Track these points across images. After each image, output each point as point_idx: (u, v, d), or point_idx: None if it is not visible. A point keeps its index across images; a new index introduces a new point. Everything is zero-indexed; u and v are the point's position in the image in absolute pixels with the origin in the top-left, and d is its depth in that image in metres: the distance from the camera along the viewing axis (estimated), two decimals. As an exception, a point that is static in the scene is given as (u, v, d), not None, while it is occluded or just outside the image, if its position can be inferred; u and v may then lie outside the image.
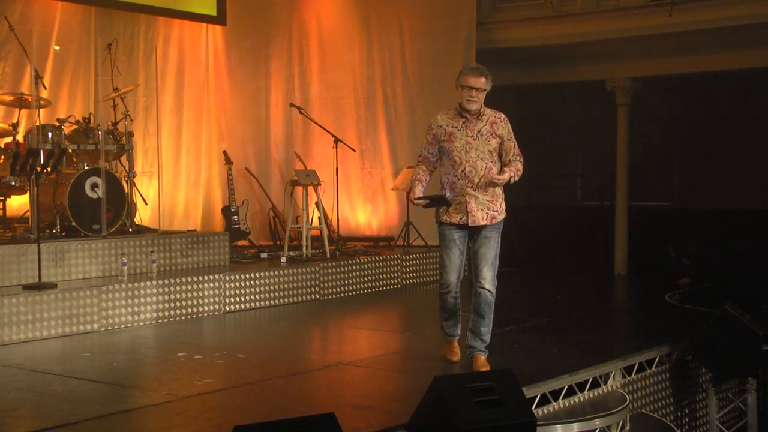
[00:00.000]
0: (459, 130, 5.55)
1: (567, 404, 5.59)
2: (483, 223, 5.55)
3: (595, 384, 5.90)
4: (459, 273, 5.68)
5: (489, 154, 5.56)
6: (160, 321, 7.49)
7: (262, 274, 8.36)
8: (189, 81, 10.76)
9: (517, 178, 5.59)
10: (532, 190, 13.17)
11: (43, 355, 6.28)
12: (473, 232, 5.60)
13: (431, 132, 5.64)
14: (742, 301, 7.04)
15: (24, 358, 6.12)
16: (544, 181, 13.20)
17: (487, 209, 5.56)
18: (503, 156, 5.63)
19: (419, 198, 5.60)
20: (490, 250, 5.58)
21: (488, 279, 5.56)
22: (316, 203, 9.83)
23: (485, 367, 5.52)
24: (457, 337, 5.87)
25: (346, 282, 9.16)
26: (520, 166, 5.62)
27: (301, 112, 10.93)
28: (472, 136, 5.54)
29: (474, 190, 5.53)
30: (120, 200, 8.36)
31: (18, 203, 8.79)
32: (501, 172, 5.56)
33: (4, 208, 8.47)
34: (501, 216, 5.63)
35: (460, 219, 5.56)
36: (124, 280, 7.55)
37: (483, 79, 5.51)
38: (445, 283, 5.67)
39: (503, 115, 5.67)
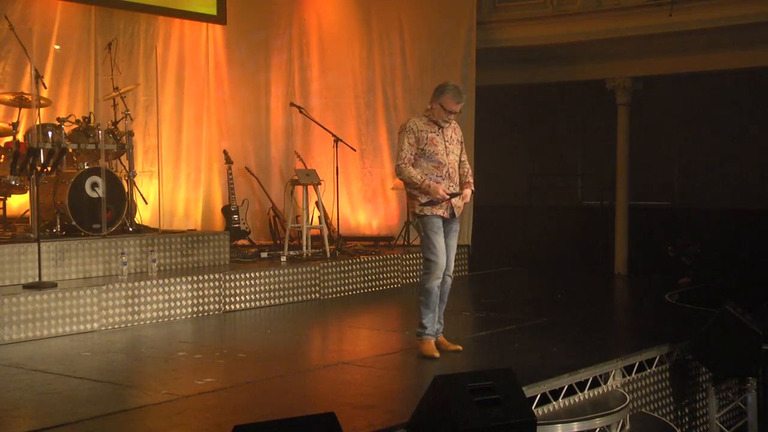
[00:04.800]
0: (437, 135, 6.08)
1: (567, 404, 5.59)
2: (457, 214, 6.16)
3: (595, 383, 5.90)
4: None
5: (458, 156, 6.17)
6: (160, 320, 7.50)
7: (262, 273, 8.36)
8: (189, 80, 10.76)
9: None
10: (532, 189, 13.17)
11: (43, 355, 6.28)
12: (445, 226, 6.10)
13: (413, 135, 6.04)
14: (742, 301, 7.04)
15: (24, 357, 6.13)
16: (544, 181, 13.20)
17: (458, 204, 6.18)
18: (460, 156, 6.26)
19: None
20: (456, 242, 6.22)
21: (452, 268, 6.20)
22: (317, 203, 9.83)
23: (456, 345, 6.19)
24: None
25: (346, 282, 9.17)
26: (470, 169, 6.27)
27: (301, 112, 10.93)
28: (448, 141, 6.12)
29: (455, 188, 6.09)
30: (120, 200, 8.36)
31: (18, 203, 8.80)
32: (463, 193, 6.14)
33: (4, 208, 8.48)
34: None
35: (443, 212, 6.06)
36: (124, 279, 7.56)
37: (462, 104, 6.08)
38: (440, 266, 6.01)
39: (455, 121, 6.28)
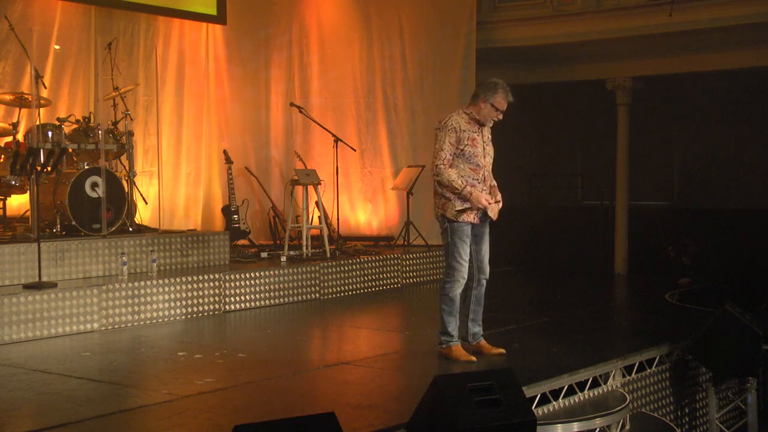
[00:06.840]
0: (478, 135, 5.77)
1: (567, 404, 5.59)
2: (494, 218, 5.87)
3: (595, 383, 5.90)
4: None
5: (492, 158, 5.88)
6: (160, 320, 7.49)
7: (262, 273, 8.36)
8: (189, 80, 10.76)
9: None
10: (532, 189, 13.17)
11: (43, 355, 6.28)
12: (476, 230, 5.84)
13: (455, 134, 5.69)
14: (742, 301, 7.04)
15: (24, 357, 6.13)
16: (545, 181, 13.20)
17: None
18: None
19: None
20: (488, 246, 5.96)
21: (488, 271, 5.96)
22: (316, 202, 9.83)
23: (498, 348, 5.93)
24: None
25: (346, 282, 9.16)
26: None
27: (301, 112, 10.93)
28: (485, 143, 5.83)
29: (488, 193, 5.80)
30: (120, 199, 8.36)
31: (18, 202, 8.80)
32: (498, 197, 5.87)
33: (4, 208, 8.48)
34: None
35: (474, 218, 5.78)
36: (124, 279, 7.56)
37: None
38: (464, 274, 5.77)
39: None
